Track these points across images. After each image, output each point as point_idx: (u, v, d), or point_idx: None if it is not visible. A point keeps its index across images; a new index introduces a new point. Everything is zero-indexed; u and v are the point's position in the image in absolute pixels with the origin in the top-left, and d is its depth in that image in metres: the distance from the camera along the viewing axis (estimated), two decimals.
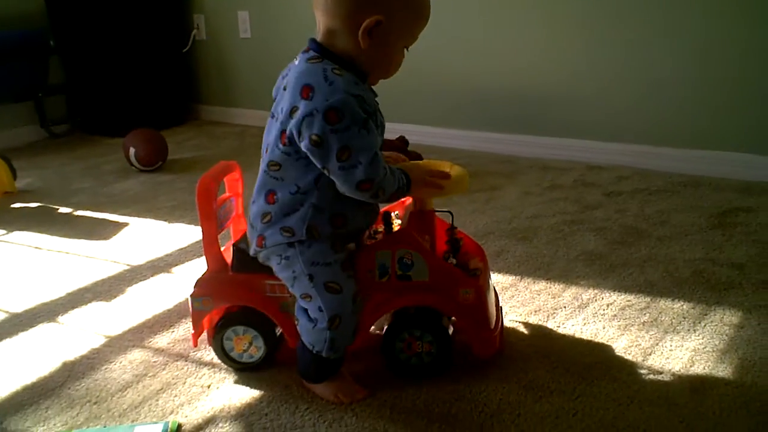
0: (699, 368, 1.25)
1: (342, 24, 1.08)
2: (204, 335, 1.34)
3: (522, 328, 1.43)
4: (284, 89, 1.11)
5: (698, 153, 2.35)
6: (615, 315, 1.45)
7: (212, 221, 1.24)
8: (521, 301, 1.53)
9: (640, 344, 1.33)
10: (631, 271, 1.65)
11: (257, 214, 1.18)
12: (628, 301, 1.51)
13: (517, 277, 1.65)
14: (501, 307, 1.35)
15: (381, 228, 1.33)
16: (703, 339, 1.35)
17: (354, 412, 1.18)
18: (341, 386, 1.22)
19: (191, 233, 2.03)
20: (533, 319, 1.46)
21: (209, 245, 1.26)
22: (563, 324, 1.43)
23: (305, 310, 1.17)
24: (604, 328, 1.40)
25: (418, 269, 1.20)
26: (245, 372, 1.30)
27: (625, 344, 1.33)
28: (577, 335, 1.39)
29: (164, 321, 1.53)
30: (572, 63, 2.56)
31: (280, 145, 1.11)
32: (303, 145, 1.07)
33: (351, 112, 1.04)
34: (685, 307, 1.47)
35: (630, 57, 2.43)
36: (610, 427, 1.11)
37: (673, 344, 1.33)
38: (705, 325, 1.39)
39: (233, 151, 3.02)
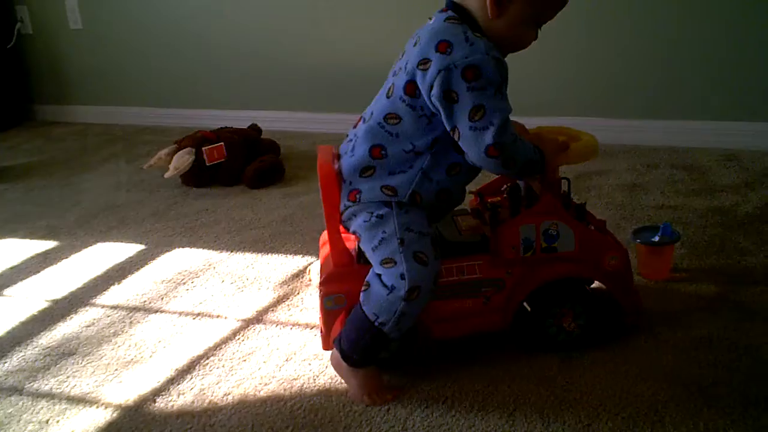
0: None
1: None
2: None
3: None
4: (414, 45, 1.06)
5: (551, 120, 2.39)
6: None
7: (337, 211, 1.13)
8: None
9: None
10: None
11: (354, 167, 1.10)
12: None
13: None
14: None
15: (499, 201, 1.26)
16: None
17: (213, 430, 1.09)
18: (375, 385, 1.12)
19: (26, 249, 1.84)
20: None
21: (335, 237, 1.15)
22: None
23: (379, 276, 1.07)
24: None
25: (564, 240, 1.15)
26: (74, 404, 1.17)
27: None
28: None
29: None
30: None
31: (405, 96, 1.05)
32: (434, 97, 1.01)
33: (489, 72, 1.00)
34: None
35: None
36: (481, 409, 1.08)
37: None
38: None
39: (75, 153, 2.78)
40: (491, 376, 1.15)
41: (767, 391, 1.07)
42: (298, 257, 1.65)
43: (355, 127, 1.16)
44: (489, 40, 1.04)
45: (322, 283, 1.16)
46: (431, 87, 1.01)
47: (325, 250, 1.24)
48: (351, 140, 1.14)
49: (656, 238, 1.40)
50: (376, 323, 1.05)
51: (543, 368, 1.17)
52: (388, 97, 1.09)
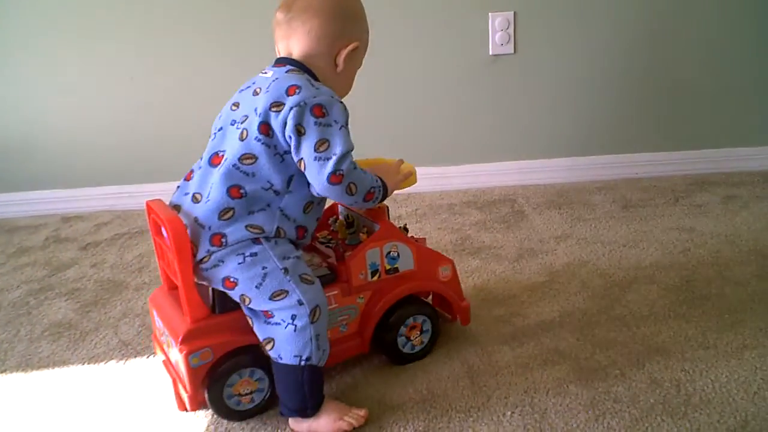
0: None
1: (324, 48, 1.17)
2: None
3: None
4: (254, 94, 1.13)
5: None
6: None
7: (190, 264, 1.08)
8: None
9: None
10: (104, 335, 1.49)
11: (212, 211, 1.08)
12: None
13: None
14: None
15: (328, 234, 1.34)
16: None
17: None
18: (340, 409, 1.13)
19: None
20: None
21: (190, 292, 1.10)
22: None
23: (268, 318, 1.08)
24: None
25: (404, 259, 1.25)
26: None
27: None
28: None
29: None
30: (37, 105, 2.29)
31: (260, 136, 1.09)
32: (288, 131, 1.08)
33: (335, 112, 1.10)
34: None
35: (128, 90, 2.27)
36: None
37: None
38: None
39: None
40: None
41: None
42: None
43: (187, 179, 1.16)
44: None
45: (183, 342, 1.10)
46: (285, 123, 1.08)
47: (164, 310, 1.18)
48: (188, 193, 1.13)
49: None
50: (303, 362, 1.08)
51: None
52: (242, 140, 1.11)
